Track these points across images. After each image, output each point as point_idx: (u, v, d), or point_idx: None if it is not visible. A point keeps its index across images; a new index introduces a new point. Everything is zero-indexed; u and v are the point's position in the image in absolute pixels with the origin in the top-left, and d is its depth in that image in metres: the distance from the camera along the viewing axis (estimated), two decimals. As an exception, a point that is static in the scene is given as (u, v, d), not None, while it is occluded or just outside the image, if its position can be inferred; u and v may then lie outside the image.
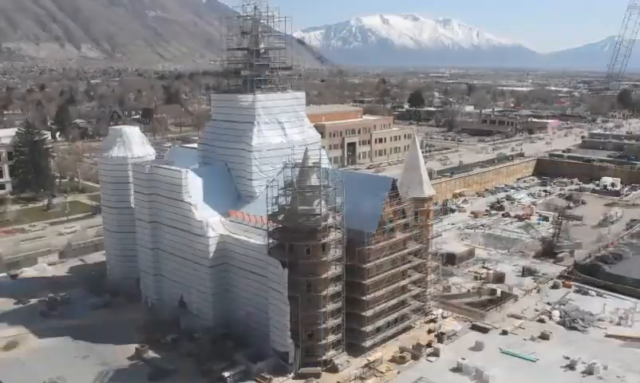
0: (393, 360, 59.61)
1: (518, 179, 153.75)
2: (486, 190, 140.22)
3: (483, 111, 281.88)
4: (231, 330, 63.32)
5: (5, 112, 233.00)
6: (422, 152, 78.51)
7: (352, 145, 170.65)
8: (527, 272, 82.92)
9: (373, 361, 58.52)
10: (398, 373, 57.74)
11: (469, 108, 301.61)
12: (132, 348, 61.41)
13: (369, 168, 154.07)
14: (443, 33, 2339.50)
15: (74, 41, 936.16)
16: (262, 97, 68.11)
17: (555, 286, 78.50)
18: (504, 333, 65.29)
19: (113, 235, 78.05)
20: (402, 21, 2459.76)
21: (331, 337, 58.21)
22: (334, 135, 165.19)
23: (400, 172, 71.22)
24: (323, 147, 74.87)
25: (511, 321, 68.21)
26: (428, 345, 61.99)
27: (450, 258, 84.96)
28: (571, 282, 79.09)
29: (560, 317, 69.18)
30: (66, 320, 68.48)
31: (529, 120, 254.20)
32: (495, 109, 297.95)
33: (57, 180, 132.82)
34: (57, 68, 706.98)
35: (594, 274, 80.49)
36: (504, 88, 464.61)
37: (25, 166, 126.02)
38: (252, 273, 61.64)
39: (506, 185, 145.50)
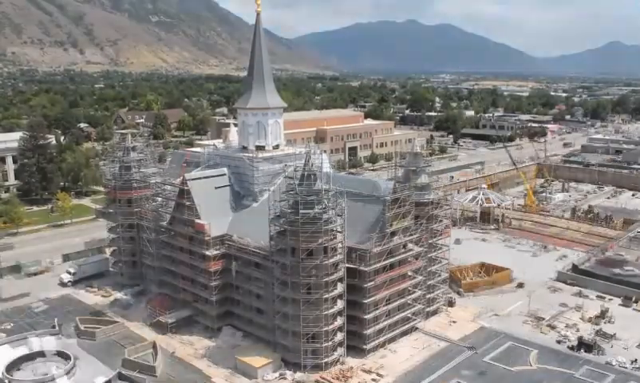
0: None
1: (517, 184, 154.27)
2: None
3: (482, 115, 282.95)
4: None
5: (10, 117, 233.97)
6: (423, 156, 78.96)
7: (353, 149, 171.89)
8: None
9: None
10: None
11: (469, 113, 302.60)
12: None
13: (370, 172, 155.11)
14: (442, 37, 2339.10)
15: (78, 45, 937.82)
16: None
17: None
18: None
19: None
20: (402, 25, 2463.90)
21: (333, 339, 58.84)
22: (336, 139, 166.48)
23: (401, 176, 71.95)
24: (325, 151, 75.85)
25: None
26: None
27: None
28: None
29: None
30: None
31: (529, 124, 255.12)
32: (495, 114, 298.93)
33: (62, 184, 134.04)
34: (61, 72, 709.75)
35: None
36: (504, 92, 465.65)
37: (29, 170, 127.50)
38: (255, 275, 62.69)
39: None
